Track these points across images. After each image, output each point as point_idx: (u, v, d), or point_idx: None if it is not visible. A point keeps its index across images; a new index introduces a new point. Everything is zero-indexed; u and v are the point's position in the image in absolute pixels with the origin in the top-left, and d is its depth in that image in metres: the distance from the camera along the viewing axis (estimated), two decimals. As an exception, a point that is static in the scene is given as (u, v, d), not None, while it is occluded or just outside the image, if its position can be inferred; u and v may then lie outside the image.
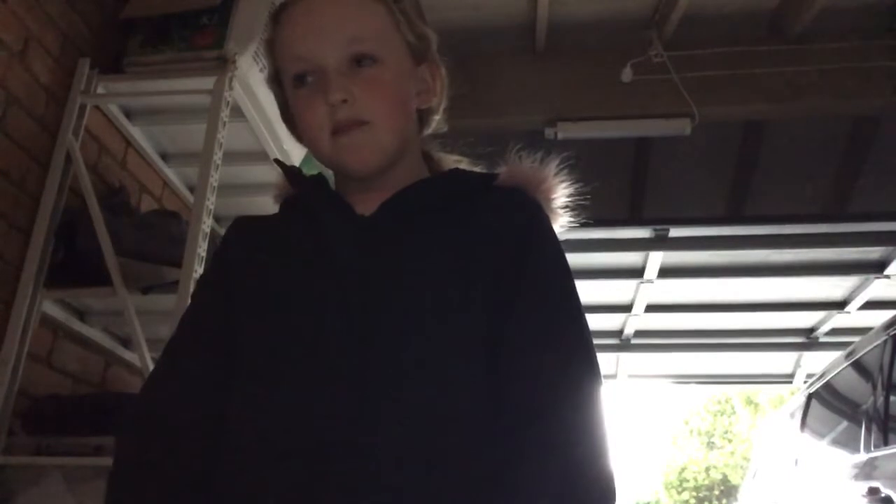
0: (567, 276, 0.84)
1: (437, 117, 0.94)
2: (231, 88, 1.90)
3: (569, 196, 0.89)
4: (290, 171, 0.91)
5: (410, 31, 0.89)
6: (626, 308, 4.87)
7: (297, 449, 0.74)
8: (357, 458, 0.72)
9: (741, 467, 15.95)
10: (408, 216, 0.83)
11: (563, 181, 0.89)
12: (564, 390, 0.76)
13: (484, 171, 0.90)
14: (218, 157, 1.87)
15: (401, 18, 0.88)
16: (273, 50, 0.89)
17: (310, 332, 0.79)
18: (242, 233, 0.92)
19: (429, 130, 0.94)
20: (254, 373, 0.80)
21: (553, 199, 0.88)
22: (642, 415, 35.10)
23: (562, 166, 0.89)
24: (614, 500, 0.72)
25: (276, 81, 0.90)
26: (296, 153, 2.29)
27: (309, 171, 0.94)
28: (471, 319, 0.79)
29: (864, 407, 3.39)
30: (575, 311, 0.82)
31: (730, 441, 18.29)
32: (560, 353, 0.78)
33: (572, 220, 0.89)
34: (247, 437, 0.78)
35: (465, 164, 0.94)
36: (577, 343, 0.79)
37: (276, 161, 0.94)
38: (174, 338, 0.90)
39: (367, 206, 0.84)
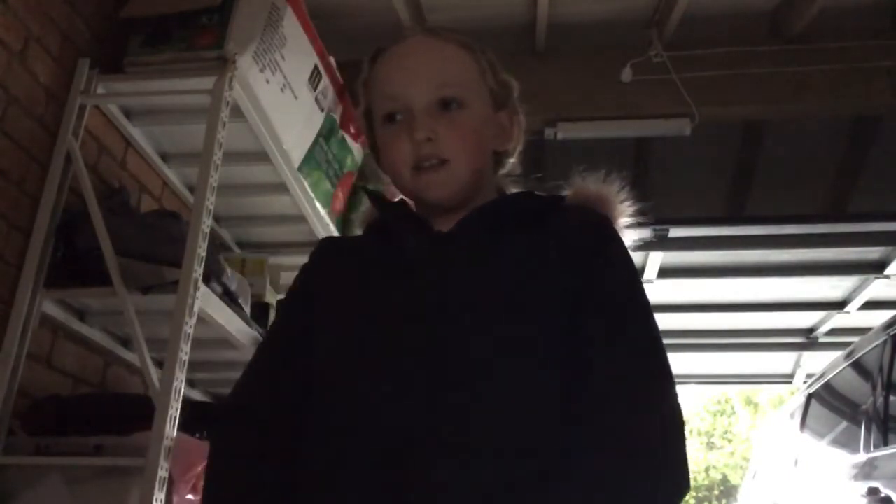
0: (639, 286, 0.90)
1: (511, 160, 1.02)
2: (231, 88, 1.90)
3: (633, 213, 0.95)
4: (374, 196, 0.99)
5: (494, 80, 0.97)
6: (626, 308, 4.85)
7: (379, 446, 0.79)
8: (439, 453, 0.78)
9: (741, 467, 15.93)
10: (483, 231, 0.90)
11: (626, 199, 0.96)
12: (644, 394, 0.81)
13: (552, 193, 0.97)
14: (218, 157, 1.87)
15: (486, 67, 0.97)
16: (368, 88, 0.98)
17: (390, 337, 0.85)
18: (328, 251, 1.02)
19: (503, 171, 1.02)
20: (337, 377, 0.86)
21: (618, 217, 0.95)
22: (642, 415, 34.97)
23: (623, 185, 0.96)
24: (683, 496, 0.78)
25: (367, 117, 1.00)
26: (295, 154, 2.29)
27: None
28: (545, 326, 0.84)
29: (864, 407, 3.39)
30: (650, 322, 0.87)
31: (729, 441, 18.28)
32: (635, 360, 0.83)
33: (635, 238, 0.95)
34: (331, 436, 0.83)
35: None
36: (650, 351, 0.84)
37: (363, 187, 1.05)
38: (262, 345, 1.01)
39: (444, 227, 0.92)
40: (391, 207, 0.97)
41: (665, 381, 0.82)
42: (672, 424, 0.80)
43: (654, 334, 0.85)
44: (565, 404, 0.81)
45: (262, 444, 0.88)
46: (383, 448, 0.79)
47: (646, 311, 0.87)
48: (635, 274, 0.91)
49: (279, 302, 1.06)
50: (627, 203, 0.95)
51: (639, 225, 0.95)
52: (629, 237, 0.94)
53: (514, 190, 1.01)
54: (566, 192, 0.96)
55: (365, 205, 1.03)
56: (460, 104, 0.92)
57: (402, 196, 0.99)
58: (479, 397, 0.80)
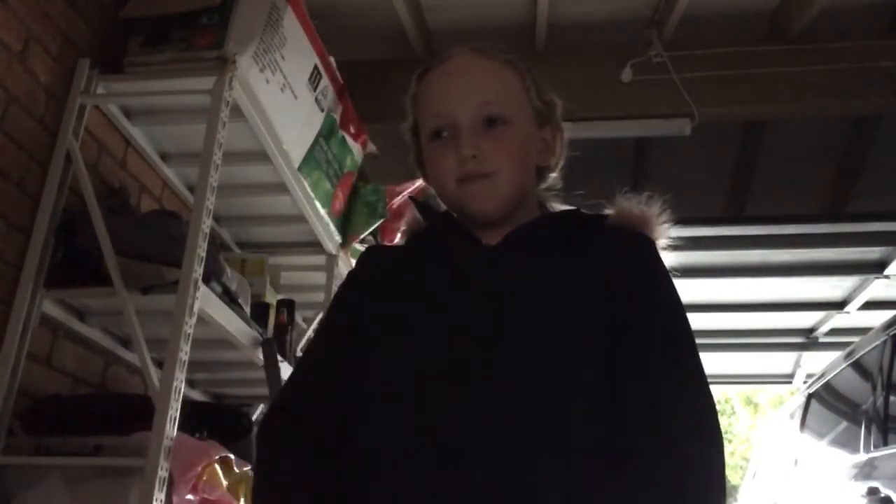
0: (681, 310, 0.92)
1: (553, 175, 1.05)
2: (231, 88, 1.90)
3: (671, 237, 0.98)
4: (421, 207, 1.02)
5: (538, 98, 1.01)
6: (626, 308, 4.85)
7: (433, 449, 0.82)
8: (492, 455, 0.80)
9: (741, 467, 15.92)
10: (530, 247, 0.93)
11: (666, 221, 0.98)
12: (685, 409, 0.84)
13: (596, 212, 1.00)
14: (218, 157, 1.87)
15: (531, 86, 1.00)
16: (415, 104, 1.02)
17: (444, 346, 0.88)
18: (375, 260, 1.05)
19: (545, 185, 1.05)
20: (395, 385, 0.89)
21: (658, 238, 0.98)
22: (642, 415, 34.99)
23: (664, 207, 0.99)
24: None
25: (413, 132, 1.03)
26: (295, 154, 2.29)
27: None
28: (590, 344, 0.87)
29: (864, 407, 3.39)
30: (690, 339, 0.90)
31: (729, 441, 18.26)
32: (676, 375, 0.86)
33: (672, 260, 0.97)
34: (384, 440, 0.85)
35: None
36: (691, 370, 0.87)
37: (411, 198, 1.06)
38: (309, 350, 1.04)
39: (490, 240, 0.95)
40: (439, 219, 1.00)
41: (707, 403, 0.85)
42: (715, 442, 0.82)
43: (695, 361, 0.88)
44: (609, 413, 0.84)
45: (312, 445, 0.89)
46: (440, 452, 0.81)
47: (689, 336, 0.90)
48: (678, 297, 0.93)
49: (333, 302, 1.06)
50: (668, 225, 0.98)
51: (676, 246, 0.98)
52: (668, 259, 0.97)
53: (556, 204, 1.04)
54: (609, 211, 0.99)
55: (409, 214, 1.06)
56: (504, 122, 0.95)
57: (447, 209, 1.01)
58: (529, 407, 0.83)
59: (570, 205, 1.04)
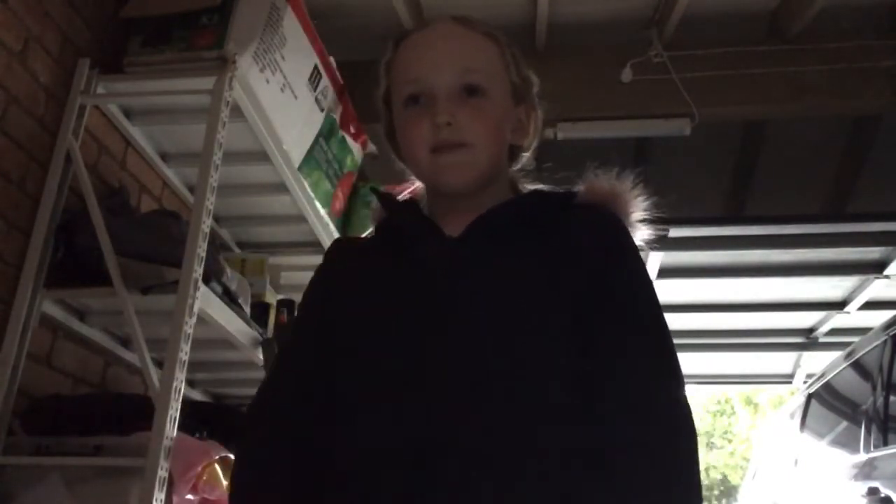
0: (650, 287, 0.89)
1: (526, 155, 1.01)
2: (231, 88, 1.90)
3: (646, 209, 0.95)
4: (382, 196, 0.99)
5: (516, 73, 0.97)
6: (626, 308, 4.85)
7: (402, 452, 0.79)
8: (460, 458, 0.78)
9: (741, 467, 15.93)
10: (493, 235, 0.89)
11: (640, 195, 0.95)
12: (654, 398, 0.81)
13: (564, 190, 0.96)
14: (218, 157, 1.87)
15: (510, 60, 0.96)
16: (390, 71, 0.97)
17: (404, 346, 0.85)
18: (339, 254, 1.02)
19: (517, 166, 1.01)
20: (357, 384, 0.86)
21: (631, 213, 0.94)
22: (642, 415, 35.00)
23: (638, 181, 0.96)
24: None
25: (385, 100, 0.99)
26: (295, 154, 2.29)
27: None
28: (557, 332, 0.84)
29: (864, 407, 3.39)
30: (661, 323, 0.87)
31: (729, 441, 18.27)
32: (650, 365, 0.83)
33: (652, 232, 0.95)
34: (354, 442, 0.83)
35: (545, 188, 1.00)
36: (661, 351, 0.85)
37: (372, 188, 1.03)
38: (283, 351, 1.01)
39: (454, 227, 0.91)
40: (400, 208, 0.97)
41: (678, 391, 0.83)
42: (685, 434, 0.80)
43: (665, 341, 0.85)
44: (580, 408, 0.81)
45: (287, 453, 0.88)
46: (404, 455, 0.79)
47: (657, 315, 0.87)
48: (647, 276, 0.90)
49: (302, 298, 1.03)
50: (641, 199, 0.95)
51: (652, 220, 0.95)
52: (643, 232, 0.94)
53: (528, 186, 1.00)
54: (578, 189, 0.95)
55: (374, 204, 1.03)
56: (483, 92, 0.91)
57: (410, 195, 0.99)
58: (495, 405, 0.81)
59: (544, 185, 1.00)
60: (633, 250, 0.91)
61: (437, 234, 0.92)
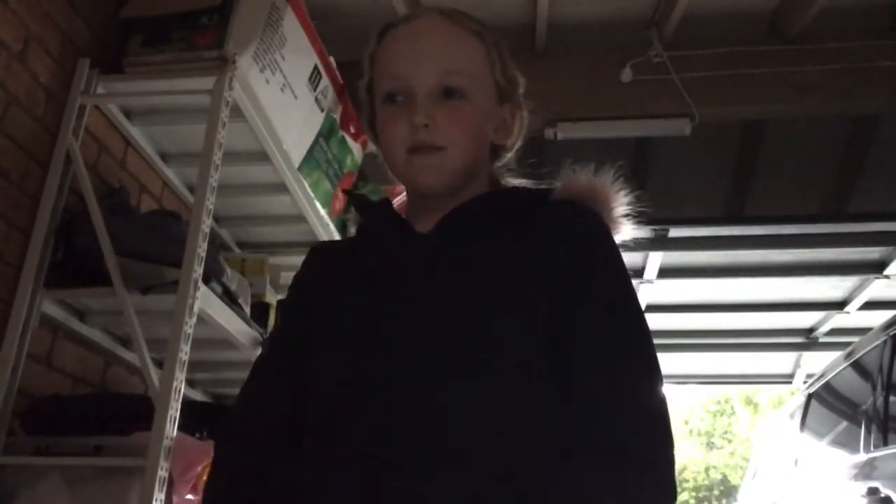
0: (628, 285, 0.87)
1: (509, 155, 0.99)
2: (231, 88, 1.90)
3: (628, 204, 0.92)
4: (355, 198, 0.98)
5: (502, 73, 0.94)
6: (626, 308, 4.86)
7: (369, 455, 0.78)
8: (419, 462, 0.76)
9: (741, 467, 15.93)
10: (465, 231, 0.87)
11: (620, 189, 0.92)
12: (628, 393, 0.79)
13: (541, 186, 0.94)
14: (218, 157, 1.87)
15: (496, 60, 0.93)
16: (373, 63, 0.95)
17: (374, 350, 0.83)
18: (317, 258, 1.01)
19: (500, 163, 0.99)
20: (325, 389, 0.86)
21: (612, 208, 0.91)
22: (642, 415, 34.98)
23: (618, 175, 0.92)
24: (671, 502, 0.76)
25: (368, 91, 0.97)
26: (295, 154, 2.29)
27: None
28: (528, 332, 0.82)
29: (864, 407, 3.39)
30: (637, 317, 0.85)
31: (729, 441, 18.28)
32: (624, 360, 0.81)
33: (634, 227, 0.92)
34: (323, 445, 0.83)
35: (526, 184, 0.98)
36: (640, 349, 0.82)
37: (345, 191, 1.03)
38: (261, 357, 1.00)
39: (428, 225, 0.89)
40: (372, 209, 0.96)
41: (653, 387, 0.80)
42: (659, 431, 0.78)
43: (643, 339, 0.83)
44: (550, 411, 0.79)
45: (261, 459, 0.89)
46: (367, 458, 0.78)
47: (635, 311, 0.85)
48: (625, 272, 0.87)
49: (279, 308, 1.05)
50: (622, 194, 0.92)
51: (636, 216, 0.92)
52: (626, 229, 0.91)
53: (510, 180, 0.98)
54: (555, 185, 0.93)
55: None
56: (463, 94, 0.89)
57: (386, 196, 0.97)
58: (460, 407, 0.79)
59: (526, 181, 0.98)
60: (611, 245, 0.88)
61: (407, 232, 0.91)
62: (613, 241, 0.89)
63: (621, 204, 0.91)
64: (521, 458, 0.78)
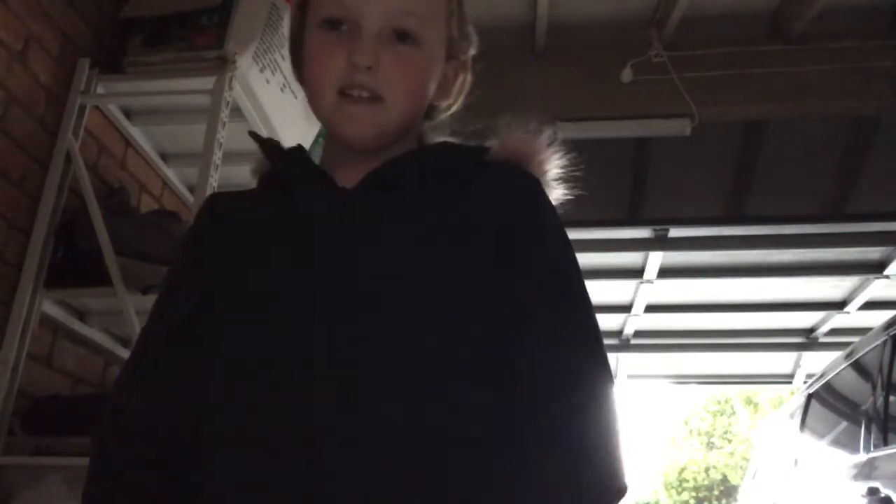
0: (570, 253, 0.80)
1: (442, 116, 0.90)
2: (231, 88, 1.90)
3: (563, 167, 0.84)
4: (266, 144, 0.86)
5: (457, 26, 0.85)
6: (626, 308, 4.87)
7: (284, 444, 0.69)
8: (345, 449, 0.68)
9: (741, 467, 15.94)
10: (393, 188, 0.78)
11: (556, 151, 0.84)
12: (575, 379, 0.72)
13: (475, 144, 0.85)
14: (218, 157, 1.87)
15: (455, 10, 0.85)
16: None
17: (287, 317, 0.73)
18: (217, 212, 0.87)
19: (431, 123, 0.90)
20: (232, 368, 0.75)
21: (547, 171, 0.84)
22: (642, 415, 35.09)
23: (554, 136, 0.85)
24: (620, 497, 0.69)
25: (301, 7, 0.84)
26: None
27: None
28: (460, 297, 0.74)
29: (864, 407, 3.39)
30: (581, 287, 0.78)
31: (729, 441, 18.29)
32: (569, 340, 0.74)
33: (567, 192, 0.85)
34: (230, 435, 0.73)
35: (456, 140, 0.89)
36: (585, 327, 0.76)
37: (251, 133, 0.90)
38: (146, 331, 0.84)
39: (350, 179, 0.79)
40: (286, 156, 0.85)
41: (599, 367, 0.74)
42: (606, 427, 0.71)
43: (590, 319, 0.76)
44: (490, 390, 0.72)
45: (143, 452, 0.76)
46: (294, 451, 0.69)
47: (581, 289, 0.78)
48: (569, 246, 0.80)
49: (168, 273, 0.88)
50: (556, 156, 0.84)
51: (567, 180, 0.84)
52: (557, 192, 0.84)
53: (435, 139, 0.88)
54: (490, 144, 0.84)
55: (257, 152, 0.89)
56: (416, 40, 0.79)
57: (300, 143, 0.87)
58: (391, 391, 0.70)
59: (453, 138, 0.88)
60: (550, 210, 0.81)
61: (326, 186, 0.79)
62: (554, 209, 0.82)
63: (555, 166, 0.84)
64: (460, 439, 0.70)
